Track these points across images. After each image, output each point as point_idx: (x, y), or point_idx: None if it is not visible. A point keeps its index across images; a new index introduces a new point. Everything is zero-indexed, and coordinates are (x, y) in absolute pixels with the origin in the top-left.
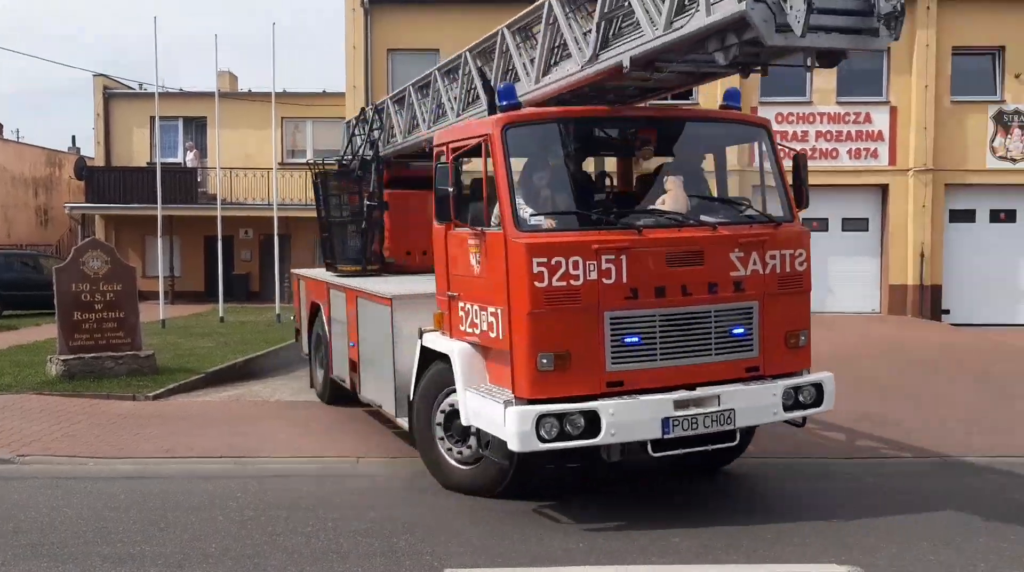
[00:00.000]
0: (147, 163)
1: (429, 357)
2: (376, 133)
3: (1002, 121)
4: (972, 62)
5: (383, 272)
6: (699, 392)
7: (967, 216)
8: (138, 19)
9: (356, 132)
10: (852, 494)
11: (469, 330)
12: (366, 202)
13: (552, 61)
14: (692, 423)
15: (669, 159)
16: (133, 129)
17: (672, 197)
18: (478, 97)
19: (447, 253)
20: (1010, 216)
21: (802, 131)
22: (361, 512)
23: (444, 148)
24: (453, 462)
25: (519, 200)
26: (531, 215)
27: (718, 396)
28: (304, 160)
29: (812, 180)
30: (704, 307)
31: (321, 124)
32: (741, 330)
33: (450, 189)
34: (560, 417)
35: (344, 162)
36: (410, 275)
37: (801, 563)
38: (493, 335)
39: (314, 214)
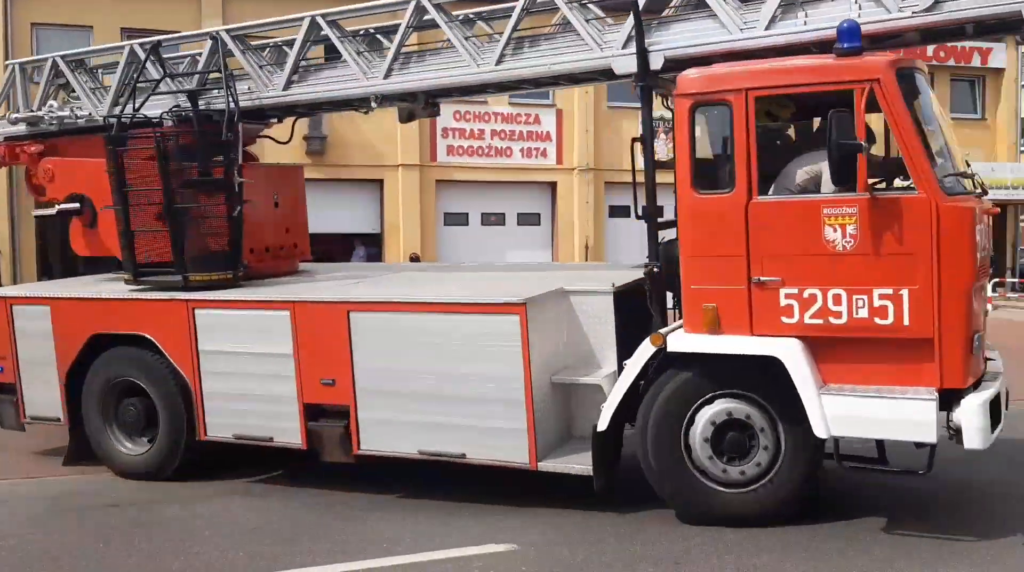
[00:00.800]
0: None
1: (654, 366)
2: (198, 78)
3: None
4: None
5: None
6: None
7: (624, 211)
8: None
9: (135, 77)
10: None
11: (815, 321)
12: (239, 179)
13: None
14: None
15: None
16: None
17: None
18: (542, 39)
19: (748, 229)
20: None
21: (478, 129)
22: None
23: (738, 96)
24: (719, 487)
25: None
26: (946, 176)
27: None
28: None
29: (489, 177)
30: (983, 281)
31: None
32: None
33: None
34: None
35: (141, 119)
36: (276, 281)
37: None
38: (885, 322)
39: None
